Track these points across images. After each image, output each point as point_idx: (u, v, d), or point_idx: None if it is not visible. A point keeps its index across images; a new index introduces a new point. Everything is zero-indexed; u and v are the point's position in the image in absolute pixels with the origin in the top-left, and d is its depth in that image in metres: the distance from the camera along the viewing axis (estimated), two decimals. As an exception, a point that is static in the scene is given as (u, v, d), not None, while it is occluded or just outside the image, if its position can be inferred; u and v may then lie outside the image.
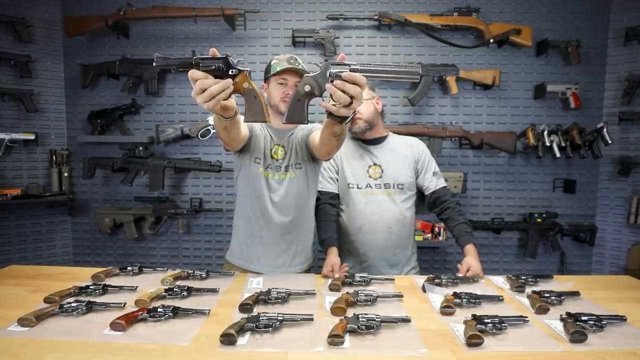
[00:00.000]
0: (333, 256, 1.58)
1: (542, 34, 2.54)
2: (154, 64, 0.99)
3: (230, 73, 0.99)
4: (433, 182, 1.74)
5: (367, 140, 1.76)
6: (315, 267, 2.41)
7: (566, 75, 2.57)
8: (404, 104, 2.59)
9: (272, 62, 1.50)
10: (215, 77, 0.98)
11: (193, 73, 0.97)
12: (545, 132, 2.45)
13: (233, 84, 0.99)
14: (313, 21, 2.58)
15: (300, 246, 1.61)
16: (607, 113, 2.59)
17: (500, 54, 2.58)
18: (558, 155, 2.45)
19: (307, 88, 0.98)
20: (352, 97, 0.97)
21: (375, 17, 2.48)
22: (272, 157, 1.53)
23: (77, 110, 2.66)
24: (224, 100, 1.01)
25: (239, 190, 1.59)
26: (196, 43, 2.60)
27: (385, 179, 1.70)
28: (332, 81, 0.97)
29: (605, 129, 2.41)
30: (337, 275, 1.48)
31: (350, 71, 0.96)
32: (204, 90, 0.97)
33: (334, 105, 1.00)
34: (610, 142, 2.41)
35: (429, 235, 2.52)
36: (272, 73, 1.47)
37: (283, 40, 2.59)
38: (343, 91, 0.96)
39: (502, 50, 2.58)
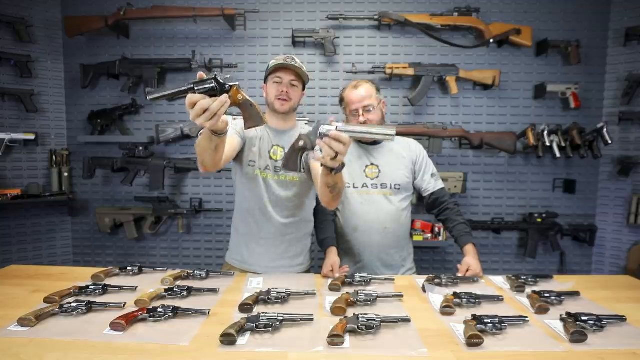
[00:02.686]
0: (333, 256, 1.58)
1: (542, 34, 2.54)
2: (147, 97, 1.01)
3: (225, 89, 1.04)
4: (432, 183, 1.74)
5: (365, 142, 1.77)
6: (315, 267, 2.41)
7: (566, 75, 2.57)
8: (404, 104, 2.59)
9: (270, 62, 1.53)
10: (210, 96, 1.02)
11: (192, 97, 1.01)
12: (545, 132, 2.45)
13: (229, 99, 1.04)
14: (313, 21, 2.58)
15: (299, 248, 1.62)
16: (607, 113, 2.59)
17: (500, 54, 2.58)
18: (558, 155, 2.45)
19: (302, 143, 1.16)
20: (337, 153, 1.12)
21: (375, 17, 2.48)
22: (270, 157, 1.55)
23: (77, 110, 2.66)
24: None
25: (238, 192, 1.61)
26: (196, 43, 2.60)
27: (382, 179, 1.70)
28: (322, 138, 1.13)
29: (605, 129, 2.41)
30: (337, 275, 1.48)
31: (336, 130, 1.12)
32: (204, 111, 1.01)
33: (322, 158, 1.15)
34: (610, 142, 2.41)
35: (429, 235, 2.52)
36: (268, 71, 1.51)
37: (283, 40, 2.59)
38: (331, 147, 1.12)
39: (502, 50, 2.58)
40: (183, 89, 1.01)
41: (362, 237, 1.69)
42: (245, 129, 1.17)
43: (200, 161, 1.30)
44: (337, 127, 1.12)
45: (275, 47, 2.60)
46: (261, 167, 1.54)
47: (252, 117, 1.10)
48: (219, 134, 1.14)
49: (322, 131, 1.12)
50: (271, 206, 1.54)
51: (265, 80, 1.56)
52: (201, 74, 1.04)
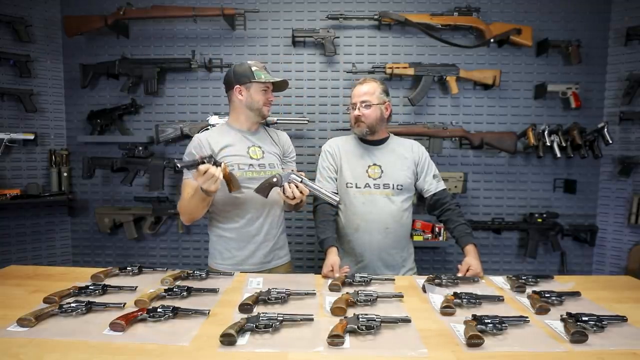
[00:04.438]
0: (333, 256, 1.58)
1: (542, 34, 2.53)
2: (177, 166, 1.39)
3: (218, 164, 1.40)
4: (433, 184, 1.74)
5: (368, 141, 1.76)
6: (315, 267, 2.41)
7: (567, 75, 2.56)
8: (404, 103, 2.59)
9: (252, 68, 1.59)
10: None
11: (205, 167, 1.36)
12: (546, 132, 2.45)
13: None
14: (313, 21, 2.57)
15: (282, 240, 1.74)
16: (607, 113, 2.58)
17: (500, 54, 2.58)
18: (558, 155, 2.45)
19: (275, 180, 1.48)
20: (294, 196, 1.47)
21: (376, 16, 2.48)
22: (251, 157, 1.63)
23: (77, 110, 2.65)
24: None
25: (217, 201, 1.64)
26: (196, 43, 2.60)
27: (385, 179, 1.70)
28: (289, 184, 1.47)
29: (605, 129, 2.41)
30: (337, 275, 1.48)
31: (300, 182, 1.49)
32: (211, 177, 1.37)
33: (285, 197, 1.49)
34: (610, 142, 2.41)
35: (429, 235, 2.52)
36: (256, 80, 1.58)
37: (283, 40, 2.59)
38: (293, 192, 1.47)
39: (502, 50, 2.58)
40: (199, 160, 1.37)
41: (363, 237, 1.69)
42: (230, 192, 1.51)
43: (188, 218, 1.61)
44: (302, 180, 1.49)
45: (275, 47, 2.59)
46: (243, 168, 1.60)
47: (234, 184, 1.46)
48: (211, 194, 1.45)
49: (291, 179, 1.48)
50: (260, 202, 1.61)
51: (243, 83, 1.59)
52: (201, 154, 1.42)
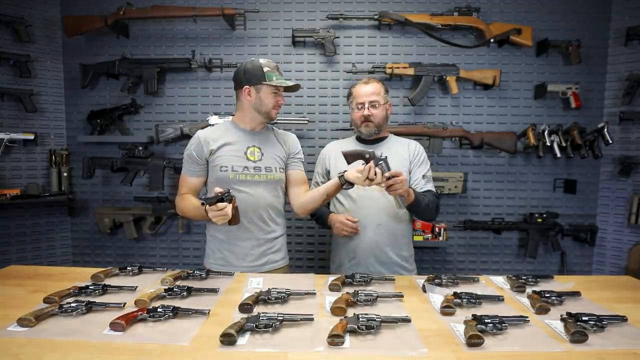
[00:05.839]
0: (336, 215, 1.70)
1: (542, 34, 2.53)
2: (205, 204, 1.37)
3: (232, 198, 1.42)
4: (419, 184, 1.72)
5: (367, 140, 1.78)
6: (315, 267, 2.41)
7: (567, 75, 2.56)
8: (404, 103, 2.59)
9: (264, 69, 1.54)
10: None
11: (220, 205, 1.37)
12: (546, 132, 2.45)
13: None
14: (313, 21, 2.57)
15: (280, 242, 1.69)
16: (607, 113, 2.58)
17: (500, 54, 2.58)
18: (558, 155, 2.45)
19: (367, 155, 1.48)
20: (372, 180, 1.43)
21: (376, 16, 2.48)
22: (248, 159, 1.59)
23: (77, 110, 2.65)
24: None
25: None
26: (196, 43, 2.60)
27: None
28: (376, 165, 1.44)
29: (605, 129, 2.41)
30: (355, 221, 1.64)
31: (386, 172, 1.45)
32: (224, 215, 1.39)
33: (357, 178, 1.46)
34: (610, 142, 2.41)
35: (429, 235, 2.52)
36: (267, 82, 1.54)
37: (283, 40, 2.59)
38: (375, 174, 1.42)
39: (502, 50, 2.58)
40: (220, 196, 1.38)
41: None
42: (229, 225, 1.46)
43: (181, 215, 1.72)
44: (387, 171, 1.47)
45: (275, 47, 2.59)
46: (237, 170, 1.57)
47: (235, 218, 1.45)
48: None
49: (380, 164, 1.46)
50: (250, 206, 1.58)
51: (250, 83, 1.55)
52: (218, 189, 1.39)
